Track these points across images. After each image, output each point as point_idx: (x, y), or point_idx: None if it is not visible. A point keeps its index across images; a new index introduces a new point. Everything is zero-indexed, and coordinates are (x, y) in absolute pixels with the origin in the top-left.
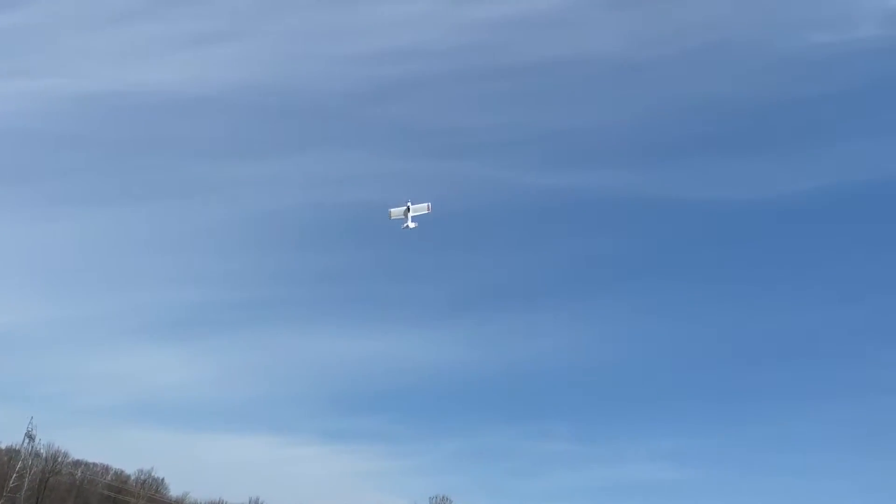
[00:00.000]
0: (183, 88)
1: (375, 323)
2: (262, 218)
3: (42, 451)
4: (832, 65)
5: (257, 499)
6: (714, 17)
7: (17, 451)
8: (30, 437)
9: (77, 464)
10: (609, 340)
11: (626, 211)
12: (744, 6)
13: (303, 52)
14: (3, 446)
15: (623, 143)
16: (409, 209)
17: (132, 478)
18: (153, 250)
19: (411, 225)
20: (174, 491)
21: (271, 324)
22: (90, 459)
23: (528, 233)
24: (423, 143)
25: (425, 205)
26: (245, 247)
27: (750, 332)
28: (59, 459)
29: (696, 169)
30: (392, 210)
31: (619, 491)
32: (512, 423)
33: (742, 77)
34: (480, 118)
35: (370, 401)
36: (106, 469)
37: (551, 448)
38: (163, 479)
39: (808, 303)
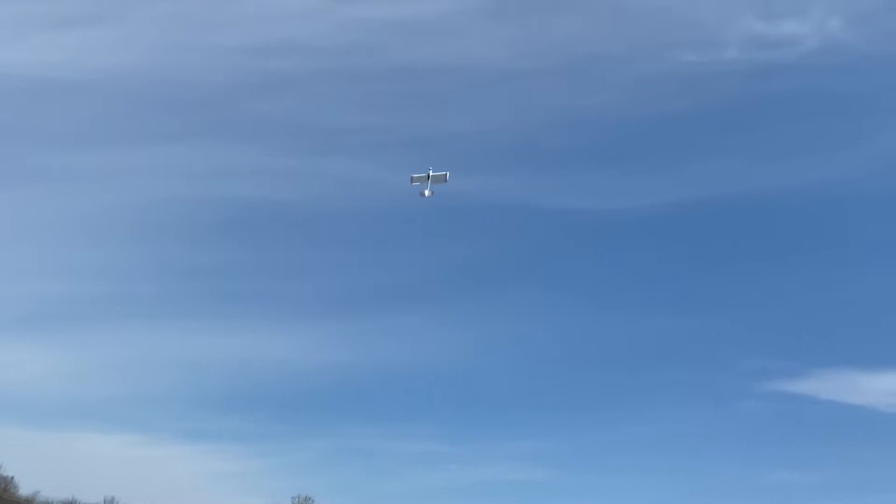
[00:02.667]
0: (53, 72)
1: (244, 321)
2: (132, 209)
3: None
4: (699, 84)
5: (112, 498)
6: (589, 33)
7: None
8: None
9: None
10: (476, 343)
11: (500, 217)
12: (618, 24)
13: (182, 40)
14: None
15: (500, 150)
16: (429, 176)
17: None
18: (14, 240)
19: (428, 193)
20: (24, 490)
21: (135, 319)
22: None
23: (404, 235)
24: (304, 140)
25: (444, 174)
26: (113, 239)
27: (611, 338)
28: None
29: (570, 178)
30: (414, 175)
31: (479, 490)
32: (378, 424)
33: (614, 92)
34: (363, 118)
35: (234, 400)
36: None
37: (415, 448)
38: (12, 478)
39: (667, 310)
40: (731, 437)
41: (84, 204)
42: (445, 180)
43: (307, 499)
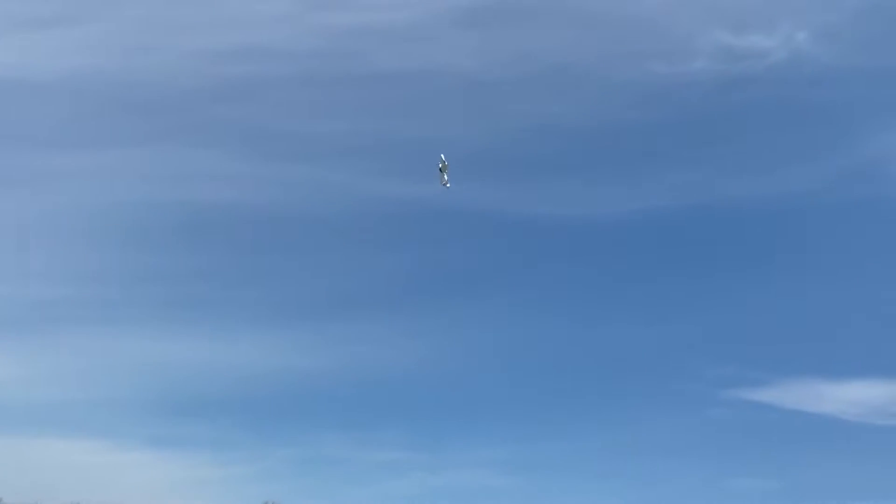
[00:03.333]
0: (14, 73)
1: (208, 327)
2: (94, 213)
3: None
4: (667, 94)
5: None
6: (558, 42)
7: None
8: None
9: None
10: (442, 350)
11: (468, 224)
12: (586, 34)
13: (150, 43)
14: None
15: (467, 157)
16: (444, 165)
17: None
18: None
19: (448, 184)
20: None
21: (98, 324)
22: None
23: (371, 241)
24: (268, 145)
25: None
26: (75, 242)
27: (578, 345)
28: None
29: (539, 186)
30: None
31: (445, 497)
32: (345, 431)
33: (583, 101)
34: (330, 124)
35: (201, 406)
36: None
37: (382, 456)
38: None
39: (634, 318)
40: (697, 445)
41: (45, 207)
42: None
43: None
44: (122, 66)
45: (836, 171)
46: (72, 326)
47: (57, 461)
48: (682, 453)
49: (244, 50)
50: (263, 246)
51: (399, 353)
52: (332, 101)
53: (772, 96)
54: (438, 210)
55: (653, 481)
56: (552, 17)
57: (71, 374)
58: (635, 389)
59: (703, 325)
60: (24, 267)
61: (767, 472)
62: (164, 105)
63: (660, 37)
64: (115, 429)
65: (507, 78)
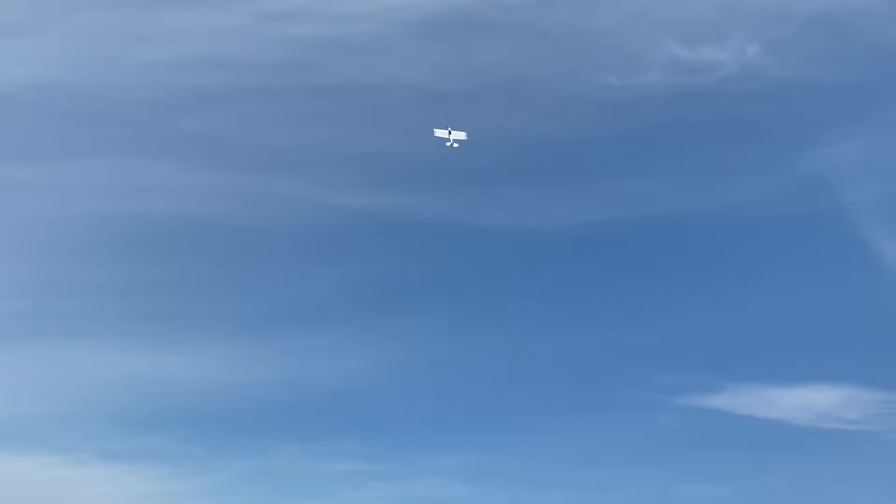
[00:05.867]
0: None
1: (162, 340)
2: (41, 225)
3: None
4: (621, 107)
5: None
6: (513, 56)
7: None
8: None
9: None
10: (397, 361)
11: (420, 235)
12: (542, 48)
13: (101, 54)
14: None
15: (426, 169)
16: (450, 132)
17: None
18: None
19: (456, 144)
20: None
21: (47, 336)
22: None
23: (328, 252)
24: (227, 157)
25: (463, 133)
26: (23, 255)
27: (530, 354)
28: None
29: (493, 198)
30: (437, 130)
31: None
32: (302, 443)
33: (538, 113)
34: (289, 136)
35: (155, 420)
36: None
37: (341, 467)
38: None
39: (586, 326)
40: (649, 452)
41: None
42: (465, 138)
43: None
44: (76, 77)
45: (784, 182)
46: (24, 340)
47: (6, 477)
48: (635, 460)
49: (199, 61)
50: (217, 258)
51: (355, 364)
52: (287, 113)
53: (723, 109)
54: (393, 222)
55: (607, 488)
56: (508, 31)
57: (21, 388)
58: (589, 398)
59: (654, 333)
60: None
61: (719, 479)
62: (118, 116)
63: (614, 50)
64: (67, 443)
65: (464, 90)
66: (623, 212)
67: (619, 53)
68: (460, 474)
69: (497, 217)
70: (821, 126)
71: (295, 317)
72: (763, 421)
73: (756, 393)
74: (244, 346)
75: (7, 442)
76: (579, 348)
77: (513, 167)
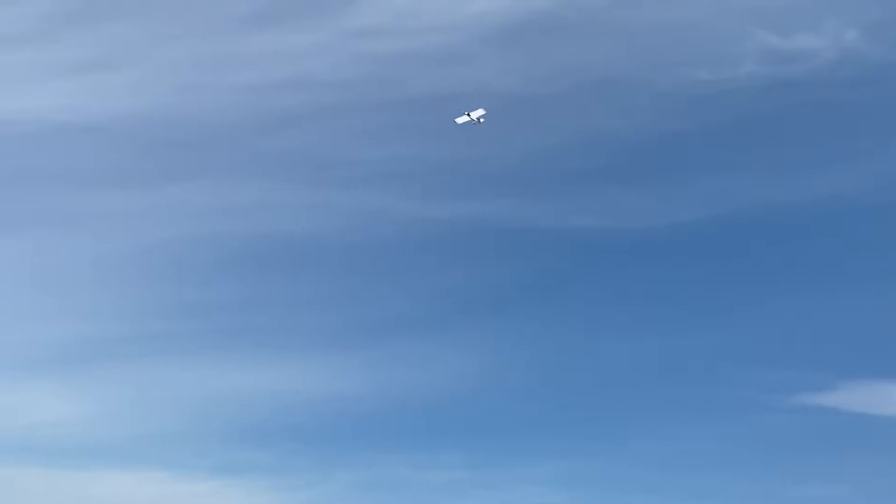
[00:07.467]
0: (66, 117)
1: (263, 355)
2: (145, 249)
3: None
4: (712, 101)
5: None
6: (599, 56)
7: None
8: None
9: None
10: (495, 368)
11: (516, 240)
12: (626, 45)
13: (192, 81)
14: None
15: (515, 174)
16: (469, 115)
17: None
18: (30, 283)
19: (482, 119)
20: None
21: (157, 357)
22: None
23: (420, 262)
24: (314, 174)
25: (482, 109)
26: (128, 279)
27: (625, 357)
28: None
29: (587, 199)
30: (457, 119)
31: None
32: (402, 453)
33: (626, 112)
34: (376, 150)
35: (262, 433)
36: None
37: (442, 476)
38: None
39: (692, 326)
40: (759, 453)
41: (96, 246)
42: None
43: None
44: (164, 104)
45: (890, 170)
46: (128, 361)
47: (120, 494)
48: (746, 462)
49: (285, 82)
50: (311, 273)
51: (452, 373)
52: (373, 127)
53: (822, 98)
54: (484, 229)
55: (714, 493)
56: (591, 31)
57: (129, 408)
58: (691, 400)
59: (757, 332)
60: (78, 305)
61: (835, 479)
62: (207, 141)
63: (702, 43)
64: (177, 459)
65: (548, 94)
66: (720, 208)
67: (707, 46)
68: (561, 481)
69: (589, 219)
70: None
71: (389, 327)
72: (880, 418)
73: (870, 389)
74: (341, 359)
75: (119, 459)
76: (680, 349)
77: (603, 168)
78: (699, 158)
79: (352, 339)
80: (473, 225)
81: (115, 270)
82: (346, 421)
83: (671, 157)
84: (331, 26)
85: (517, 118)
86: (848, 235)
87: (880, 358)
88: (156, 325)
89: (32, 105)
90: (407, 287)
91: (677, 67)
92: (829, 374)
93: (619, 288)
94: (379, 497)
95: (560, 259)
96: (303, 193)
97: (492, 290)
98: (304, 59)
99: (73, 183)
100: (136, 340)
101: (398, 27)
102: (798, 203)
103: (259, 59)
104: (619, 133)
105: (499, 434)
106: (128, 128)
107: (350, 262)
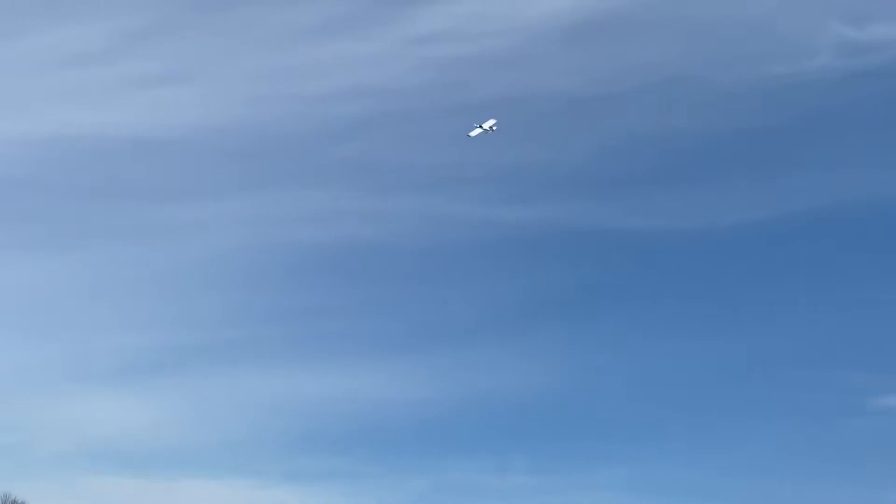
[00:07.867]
0: (137, 131)
1: (336, 361)
2: (216, 259)
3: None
4: (786, 96)
5: None
6: (668, 53)
7: None
8: None
9: None
10: (563, 372)
11: (584, 242)
12: (697, 42)
13: (260, 93)
14: None
15: (576, 176)
16: (481, 126)
17: None
18: (107, 295)
19: (494, 127)
20: None
21: (231, 365)
22: None
23: (484, 267)
24: (380, 180)
25: (493, 120)
26: (202, 288)
27: (702, 358)
28: None
29: (657, 200)
30: (470, 133)
31: None
32: (473, 458)
33: (695, 110)
34: (438, 155)
35: (334, 440)
36: None
37: (511, 481)
38: None
39: (772, 327)
40: (848, 457)
41: (170, 257)
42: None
43: None
44: (233, 116)
45: None
46: (203, 370)
47: (202, 501)
48: (833, 467)
49: (352, 90)
50: (382, 279)
51: (521, 378)
52: (438, 133)
53: None
54: (551, 232)
55: (805, 497)
56: (657, 28)
57: (206, 416)
58: (769, 402)
59: (848, 331)
60: (154, 315)
61: None
62: (275, 150)
63: (775, 37)
64: (254, 466)
65: (615, 93)
66: (796, 205)
67: (780, 40)
68: (627, 486)
69: (659, 220)
70: None
71: (459, 333)
72: None
73: None
74: (411, 365)
75: (200, 467)
76: (758, 352)
77: (672, 169)
78: (774, 154)
79: (420, 346)
80: (541, 228)
81: (186, 280)
82: (414, 427)
83: (744, 154)
84: (395, 34)
85: (582, 119)
86: None
87: None
88: (230, 334)
89: (104, 120)
90: (474, 293)
91: (747, 62)
92: None
93: (689, 290)
94: (449, 502)
95: (628, 261)
96: (370, 200)
97: (558, 295)
98: (370, 67)
99: (146, 195)
100: (208, 349)
101: (462, 32)
102: (876, 197)
103: (325, 69)
104: (687, 132)
105: (568, 439)
106: (198, 140)
107: (418, 267)
